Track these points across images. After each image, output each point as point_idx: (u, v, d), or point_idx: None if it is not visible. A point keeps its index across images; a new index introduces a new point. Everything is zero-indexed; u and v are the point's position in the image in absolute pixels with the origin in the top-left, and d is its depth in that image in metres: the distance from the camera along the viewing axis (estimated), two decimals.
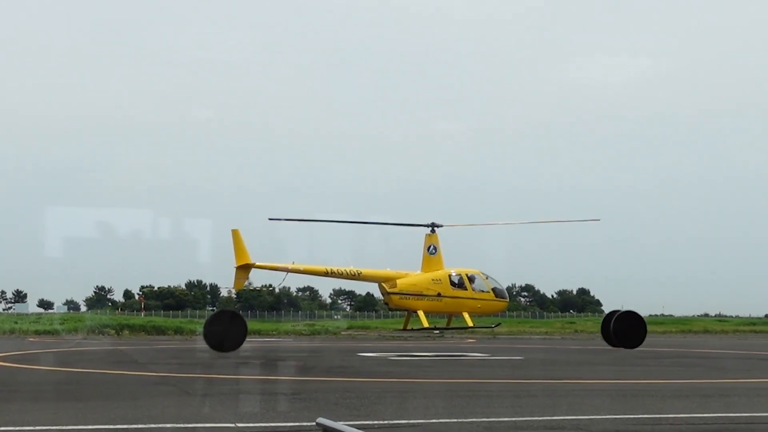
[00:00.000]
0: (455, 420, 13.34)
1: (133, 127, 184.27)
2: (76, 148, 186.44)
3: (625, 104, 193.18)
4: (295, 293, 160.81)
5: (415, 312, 40.16)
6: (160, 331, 55.28)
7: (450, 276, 40.49)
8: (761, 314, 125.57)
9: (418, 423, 13.07)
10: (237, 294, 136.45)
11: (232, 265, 38.09)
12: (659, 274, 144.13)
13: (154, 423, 12.76)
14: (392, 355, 32.36)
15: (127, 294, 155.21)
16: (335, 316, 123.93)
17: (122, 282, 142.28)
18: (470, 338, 53.44)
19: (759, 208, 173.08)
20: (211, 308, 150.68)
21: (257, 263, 37.96)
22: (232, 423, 12.85)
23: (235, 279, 38.13)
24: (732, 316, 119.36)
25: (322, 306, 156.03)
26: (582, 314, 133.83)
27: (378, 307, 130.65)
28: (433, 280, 40.06)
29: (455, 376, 22.84)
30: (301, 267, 39.17)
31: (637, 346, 32.11)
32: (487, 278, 41.38)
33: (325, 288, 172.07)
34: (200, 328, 31.32)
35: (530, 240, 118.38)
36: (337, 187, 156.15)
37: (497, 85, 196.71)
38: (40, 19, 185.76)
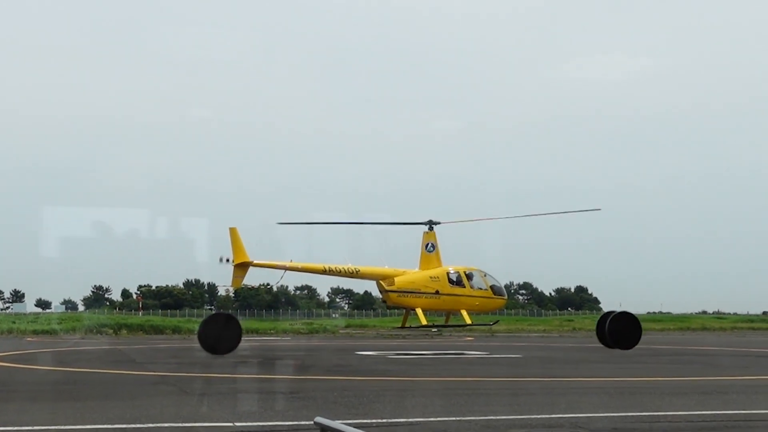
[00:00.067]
0: (454, 418, 13.33)
1: (131, 126, 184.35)
2: (75, 148, 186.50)
3: (622, 102, 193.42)
4: (293, 292, 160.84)
5: (414, 310, 40.20)
6: (158, 330, 55.22)
7: (448, 274, 40.54)
8: (759, 311, 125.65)
9: (417, 421, 13.06)
10: (235, 293, 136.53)
11: (229, 263, 38.16)
12: (657, 272, 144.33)
13: (153, 422, 12.74)
14: (390, 354, 32.35)
15: (125, 293, 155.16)
16: (333, 315, 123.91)
17: (120, 281, 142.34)
18: (468, 336, 53.45)
19: (757, 206, 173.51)
20: (209, 307, 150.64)
21: (255, 261, 37.99)
22: (230, 422, 12.84)
23: (233, 277, 38.19)
24: (730, 314, 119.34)
25: (320, 305, 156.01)
26: (580, 312, 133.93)
27: (376, 306, 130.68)
28: (431, 277, 40.12)
29: (453, 375, 22.85)
30: (299, 265, 39.21)
31: (632, 347, 32.17)
32: (485, 276, 41.45)
33: (323, 287, 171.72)
34: (197, 328, 31.29)
35: (528, 237, 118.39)
36: (336, 186, 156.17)
37: (495, 84, 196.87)
38: (40, 19, 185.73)
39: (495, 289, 41.74)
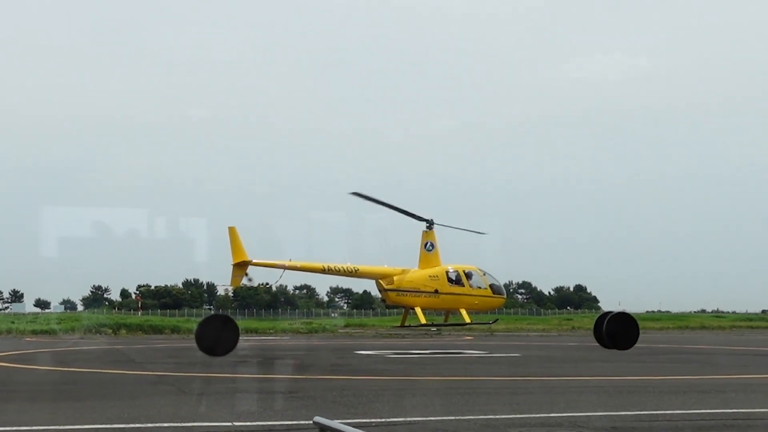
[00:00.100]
0: (453, 418, 13.33)
1: (130, 126, 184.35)
2: (74, 148, 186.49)
3: (620, 101, 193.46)
4: (292, 291, 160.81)
5: (413, 309, 40.17)
6: (157, 330, 55.24)
7: (447, 272, 40.49)
8: (758, 310, 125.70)
9: (416, 421, 13.06)
10: (234, 292, 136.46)
11: (229, 263, 38.14)
12: (656, 271, 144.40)
13: (152, 422, 12.75)
14: (389, 353, 32.35)
15: (124, 293, 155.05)
16: (332, 314, 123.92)
17: (119, 281, 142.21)
18: (468, 335, 53.47)
19: (756, 205, 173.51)
20: (208, 307, 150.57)
21: (254, 260, 37.97)
22: (229, 422, 12.85)
23: (232, 276, 38.14)
24: (729, 312, 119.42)
25: (320, 304, 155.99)
26: (579, 311, 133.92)
27: (375, 305, 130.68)
28: (430, 276, 40.06)
29: (453, 374, 22.86)
30: (298, 264, 39.16)
31: (629, 348, 32.23)
32: (484, 274, 41.40)
33: (323, 286, 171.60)
34: (195, 329, 31.33)
35: (527, 237, 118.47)
36: (334, 184, 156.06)
37: (494, 84, 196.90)
38: (40, 19, 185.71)
39: (494, 288, 41.69)
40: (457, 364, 27.63)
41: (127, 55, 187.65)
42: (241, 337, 32.12)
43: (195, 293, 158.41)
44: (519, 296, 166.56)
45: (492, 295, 41.29)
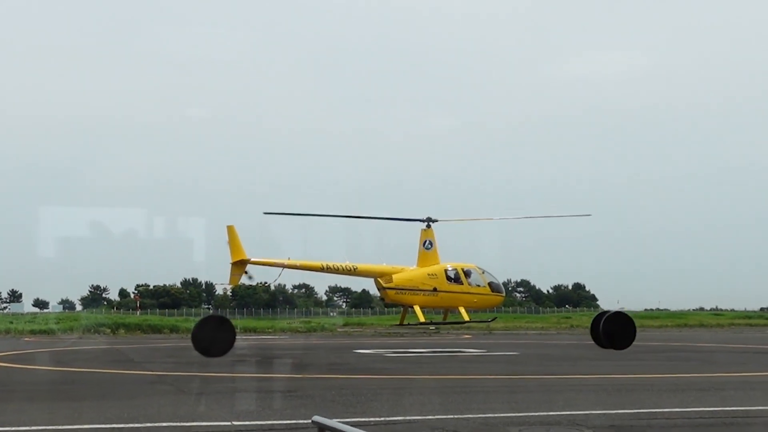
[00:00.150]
0: (451, 416, 13.34)
1: (129, 126, 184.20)
2: (73, 148, 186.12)
3: (618, 100, 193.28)
4: (290, 290, 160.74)
5: (412, 307, 40.18)
6: (155, 329, 55.20)
7: (446, 271, 40.51)
8: (756, 308, 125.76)
9: (415, 419, 13.07)
10: (232, 291, 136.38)
11: (227, 262, 38.17)
12: (654, 269, 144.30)
13: (151, 422, 12.75)
14: (388, 352, 32.36)
15: (123, 293, 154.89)
16: (331, 313, 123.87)
17: (117, 281, 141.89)
18: (466, 334, 53.46)
19: (754, 203, 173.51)
20: (206, 306, 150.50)
21: (253, 259, 37.98)
22: (228, 421, 12.85)
23: (231, 275, 38.17)
24: (728, 310, 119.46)
25: (318, 303, 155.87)
26: (577, 309, 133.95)
27: (374, 304, 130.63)
28: (429, 275, 40.08)
29: (451, 372, 22.87)
30: (297, 262, 39.17)
31: (626, 347, 32.26)
32: (483, 273, 41.42)
33: (321, 285, 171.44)
34: (192, 329, 31.39)
35: (525, 235, 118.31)
36: (336, 185, 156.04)
37: (493, 83, 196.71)
38: (40, 19, 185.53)
39: (493, 286, 41.72)
40: (455, 362, 27.64)
41: (127, 55, 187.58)
42: (239, 337, 32.20)
43: (194, 293, 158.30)
44: (517, 295, 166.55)
45: (491, 293, 41.32)
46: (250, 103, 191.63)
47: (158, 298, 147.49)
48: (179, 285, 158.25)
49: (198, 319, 39.56)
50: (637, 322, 35.26)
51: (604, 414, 13.75)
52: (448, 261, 41.02)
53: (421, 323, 40.84)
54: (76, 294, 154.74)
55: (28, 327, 56.13)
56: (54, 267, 56.03)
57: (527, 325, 71.50)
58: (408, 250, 41.43)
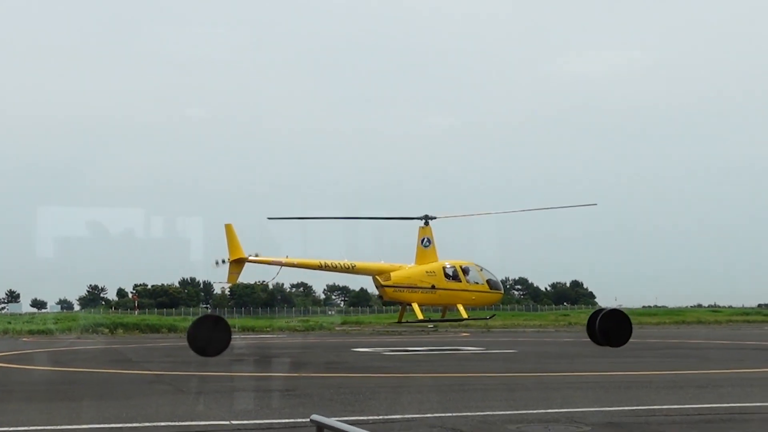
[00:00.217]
0: (450, 414, 13.36)
1: (129, 126, 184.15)
2: (73, 148, 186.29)
3: (616, 96, 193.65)
4: (288, 289, 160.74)
5: (410, 305, 40.17)
6: (153, 329, 55.22)
7: (444, 268, 40.47)
8: (754, 304, 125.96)
9: (413, 418, 13.08)
10: (231, 290, 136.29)
11: (226, 260, 38.07)
12: (652, 266, 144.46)
13: (149, 422, 12.75)
14: (386, 351, 32.39)
15: (121, 292, 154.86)
16: (329, 312, 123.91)
17: (115, 280, 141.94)
18: (464, 332, 53.50)
19: (752, 199, 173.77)
20: (205, 305, 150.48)
21: (251, 258, 37.94)
22: (227, 420, 12.86)
23: (229, 273, 38.07)
24: (725, 307, 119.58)
25: (316, 302, 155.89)
26: (575, 306, 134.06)
27: (372, 303, 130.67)
28: (427, 272, 40.05)
29: (449, 371, 22.88)
30: (295, 261, 39.12)
31: (622, 345, 32.28)
32: (481, 270, 41.39)
33: (319, 284, 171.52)
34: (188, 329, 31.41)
35: (524, 233, 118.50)
36: (335, 184, 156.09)
37: (492, 82, 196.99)
38: (40, 19, 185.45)
39: (491, 284, 41.70)
40: (453, 360, 27.66)
41: (127, 55, 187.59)
42: (238, 336, 32.25)
43: (192, 292, 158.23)
44: (516, 292, 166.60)
45: (489, 290, 41.28)
46: (249, 103, 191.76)
47: (156, 298, 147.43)
48: (177, 284, 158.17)
49: (197, 317, 39.53)
50: (635, 320, 35.36)
51: (602, 411, 13.77)
52: (447, 258, 41.01)
53: (420, 321, 40.84)
54: (74, 294, 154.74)
55: (26, 327, 56.13)
56: (52, 267, 56.06)
57: (525, 322, 71.57)
58: (406, 247, 41.40)
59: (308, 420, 11.09)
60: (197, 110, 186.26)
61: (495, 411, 13.74)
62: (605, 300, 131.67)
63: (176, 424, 12.57)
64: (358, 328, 64.04)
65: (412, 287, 39.71)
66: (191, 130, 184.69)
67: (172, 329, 54.91)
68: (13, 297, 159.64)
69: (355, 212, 42.80)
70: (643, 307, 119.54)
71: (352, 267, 40.00)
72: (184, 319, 69.71)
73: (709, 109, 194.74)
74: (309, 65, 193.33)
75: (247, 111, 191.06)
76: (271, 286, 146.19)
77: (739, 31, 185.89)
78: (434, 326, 53.60)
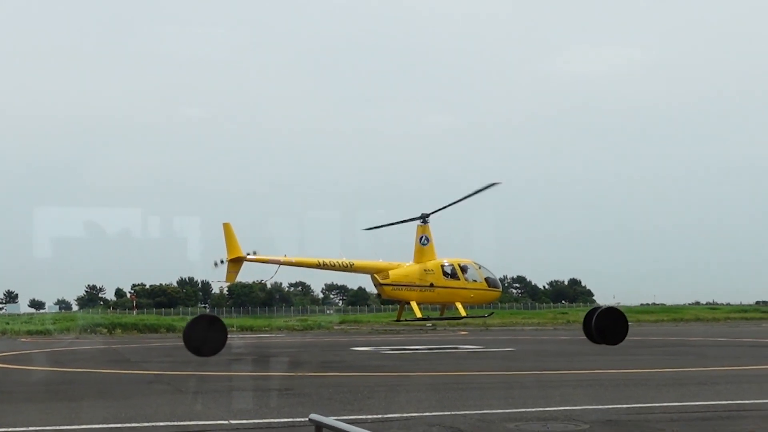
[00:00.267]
0: (448, 413, 13.37)
1: (129, 126, 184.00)
2: (72, 148, 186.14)
3: (616, 96, 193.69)
4: (287, 288, 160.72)
5: (408, 303, 40.17)
6: (152, 329, 55.22)
7: (442, 266, 40.47)
8: (752, 301, 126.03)
9: (411, 416, 13.10)
10: (229, 290, 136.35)
11: (224, 260, 38.08)
12: (650, 263, 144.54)
13: (148, 421, 12.76)
14: (385, 349, 32.41)
15: (119, 292, 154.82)
16: (327, 311, 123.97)
17: (114, 280, 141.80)
18: (463, 330, 53.53)
19: (750, 197, 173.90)
20: (203, 305, 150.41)
21: (249, 256, 37.93)
22: (225, 420, 12.87)
23: (227, 272, 38.05)
24: (723, 304, 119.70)
25: (315, 301, 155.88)
26: (574, 305, 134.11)
27: (370, 302, 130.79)
28: (425, 270, 40.04)
29: (448, 369, 22.90)
30: (293, 260, 39.10)
31: (618, 343, 32.30)
32: (479, 268, 41.39)
33: (318, 283, 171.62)
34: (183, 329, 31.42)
35: (522, 231, 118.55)
36: (333, 183, 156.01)
37: (492, 82, 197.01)
38: (40, 19, 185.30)
39: (490, 282, 41.71)
40: (452, 359, 27.68)
41: (127, 55, 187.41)
42: (238, 336, 32.25)
43: (190, 292, 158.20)
44: (514, 291, 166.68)
45: (488, 288, 41.28)
46: (249, 103, 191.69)
47: (154, 298, 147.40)
48: (175, 284, 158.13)
49: (190, 318, 39.53)
50: (633, 317, 35.43)
51: (601, 409, 13.79)
52: (445, 256, 41.02)
53: (418, 319, 40.86)
54: (73, 294, 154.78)
55: (24, 328, 56.10)
56: (50, 267, 56.04)
57: (523, 320, 71.59)
58: (405, 246, 41.41)
59: (307, 419, 11.12)
60: (197, 110, 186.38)
61: (493, 409, 13.77)
62: (603, 298, 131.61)
63: (175, 423, 12.59)
64: (357, 327, 64.05)
65: (410, 285, 39.70)
66: (191, 130, 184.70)
67: (170, 329, 54.91)
68: (11, 297, 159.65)
69: (356, 212, 42.81)
70: (641, 304, 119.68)
71: (351, 265, 39.98)
72: (183, 318, 69.66)
73: (709, 109, 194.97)
74: (309, 65, 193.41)
75: (246, 111, 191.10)
76: (269, 286, 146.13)
77: (739, 31, 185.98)
78: (433, 324, 53.59)
